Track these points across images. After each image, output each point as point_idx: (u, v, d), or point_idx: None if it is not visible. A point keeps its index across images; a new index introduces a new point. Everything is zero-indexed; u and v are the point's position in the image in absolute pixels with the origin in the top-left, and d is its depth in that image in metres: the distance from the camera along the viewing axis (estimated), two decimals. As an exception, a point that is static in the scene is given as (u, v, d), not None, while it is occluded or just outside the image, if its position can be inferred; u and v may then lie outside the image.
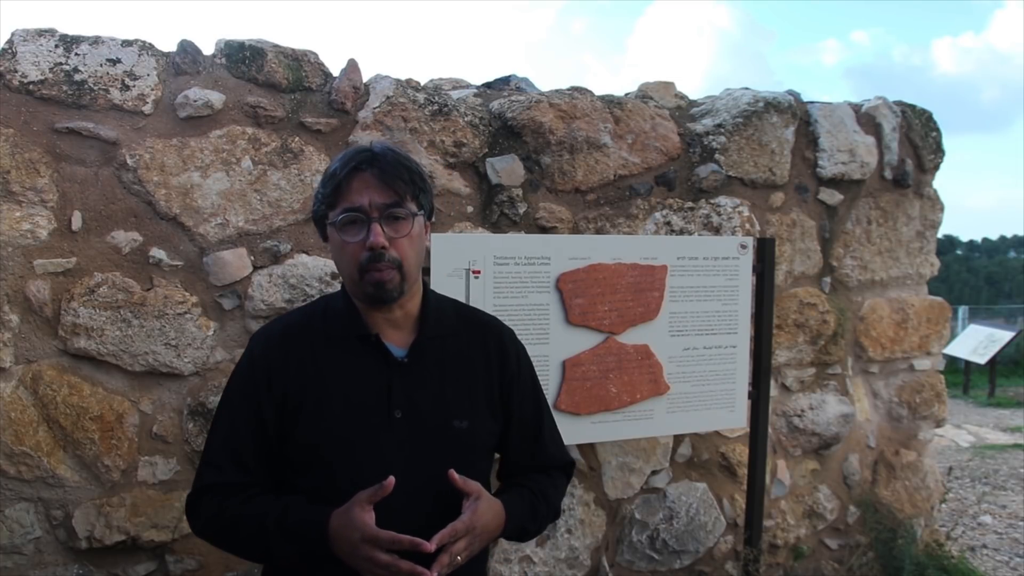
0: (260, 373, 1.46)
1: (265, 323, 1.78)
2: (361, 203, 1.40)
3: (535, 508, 1.56)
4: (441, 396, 1.48)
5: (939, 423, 3.57)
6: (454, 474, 1.39)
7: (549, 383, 2.41)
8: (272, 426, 1.44)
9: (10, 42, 2.09)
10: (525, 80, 3.08)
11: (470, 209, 2.57)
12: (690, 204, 2.85)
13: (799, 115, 3.06)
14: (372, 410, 1.44)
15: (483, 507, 1.40)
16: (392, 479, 1.30)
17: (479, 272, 2.33)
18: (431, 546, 1.29)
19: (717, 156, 2.89)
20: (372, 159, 1.43)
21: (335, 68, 2.44)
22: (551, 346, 2.42)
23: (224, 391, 1.52)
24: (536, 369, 1.70)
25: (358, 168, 1.42)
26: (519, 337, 1.68)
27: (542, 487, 1.60)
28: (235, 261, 2.29)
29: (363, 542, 1.30)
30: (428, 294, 1.56)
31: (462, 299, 2.14)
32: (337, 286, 2.35)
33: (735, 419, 2.76)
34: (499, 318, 1.70)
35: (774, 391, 3.02)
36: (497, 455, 1.66)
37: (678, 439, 2.91)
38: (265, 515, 1.38)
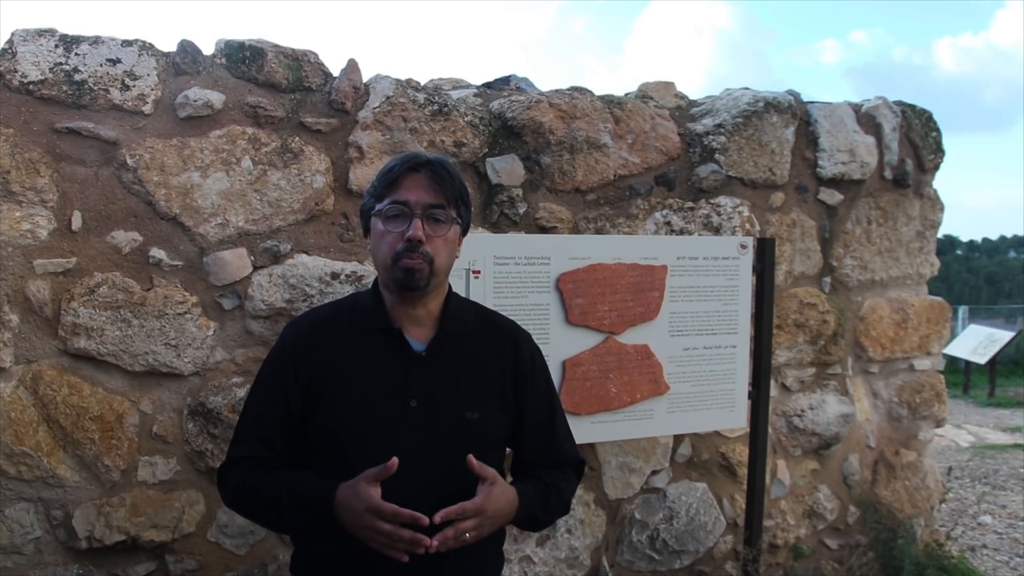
0: (288, 361, 1.59)
1: (298, 315, 1.88)
2: (408, 198, 1.52)
3: (547, 499, 1.65)
4: (455, 388, 1.58)
5: (939, 423, 3.57)
6: (472, 459, 1.47)
7: (549, 383, 2.41)
8: (296, 410, 1.57)
9: (10, 42, 2.09)
10: (525, 80, 3.08)
11: (470, 209, 2.57)
12: (690, 204, 2.85)
13: (799, 115, 3.06)
14: (389, 399, 1.54)
15: (496, 492, 1.49)
16: (396, 460, 1.41)
17: (479, 272, 2.33)
18: (427, 520, 1.39)
19: (717, 156, 2.89)
20: (427, 163, 1.56)
21: (335, 68, 2.44)
22: (551, 346, 2.41)
23: (257, 374, 1.66)
24: None
25: (413, 168, 1.55)
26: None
27: (555, 480, 1.68)
28: (235, 261, 2.28)
29: (366, 512, 1.40)
30: (451, 296, 1.66)
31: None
32: (337, 287, 2.35)
33: (735, 419, 2.76)
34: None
35: (774, 391, 3.02)
36: (509, 450, 1.73)
37: (678, 439, 2.91)
38: (281, 486, 1.51)
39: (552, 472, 1.69)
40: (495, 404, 1.62)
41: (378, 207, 1.56)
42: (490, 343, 1.66)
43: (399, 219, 1.53)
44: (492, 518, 1.49)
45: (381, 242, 1.55)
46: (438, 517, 1.40)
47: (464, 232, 1.64)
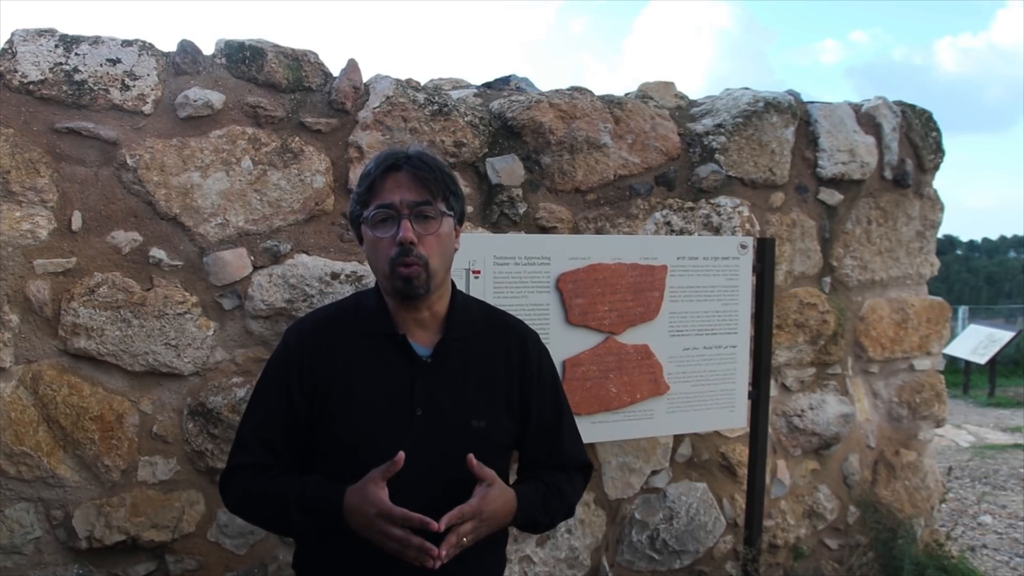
0: (293, 364, 1.55)
1: (301, 316, 1.84)
2: (392, 200, 1.48)
3: (548, 501, 1.61)
4: (461, 396, 1.55)
5: (939, 423, 3.57)
6: (472, 459, 1.45)
7: (549, 383, 2.41)
8: (301, 414, 1.53)
9: (10, 42, 2.09)
10: (525, 80, 3.08)
11: (470, 209, 2.57)
12: (690, 204, 2.85)
13: (799, 115, 3.06)
14: (394, 406, 1.51)
15: (494, 493, 1.46)
16: (402, 454, 1.38)
17: (479, 272, 2.33)
18: (438, 526, 1.36)
19: (717, 156, 2.89)
20: (406, 159, 1.50)
21: (335, 68, 2.44)
22: (551, 346, 2.38)
23: (259, 378, 1.62)
24: None
25: (391, 168, 1.50)
26: None
27: (557, 483, 1.65)
28: (235, 261, 2.29)
29: (378, 517, 1.38)
30: (456, 295, 1.62)
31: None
32: (337, 287, 2.35)
33: (735, 419, 2.76)
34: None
35: (774, 391, 3.02)
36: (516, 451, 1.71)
37: (678, 439, 2.91)
38: (287, 491, 1.48)
39: (555, 474, 1.66)
40: (502, 410, 1.59)
41: (364, 214, 1.51)
42: (497, 345, 1.62)
43: (387, 223, 1.48)
44: (488, 520, 1.46)
45: (375, 250, 1.51)
46: (442, 524, 1.37)
47: (460, 222, 1.59)
